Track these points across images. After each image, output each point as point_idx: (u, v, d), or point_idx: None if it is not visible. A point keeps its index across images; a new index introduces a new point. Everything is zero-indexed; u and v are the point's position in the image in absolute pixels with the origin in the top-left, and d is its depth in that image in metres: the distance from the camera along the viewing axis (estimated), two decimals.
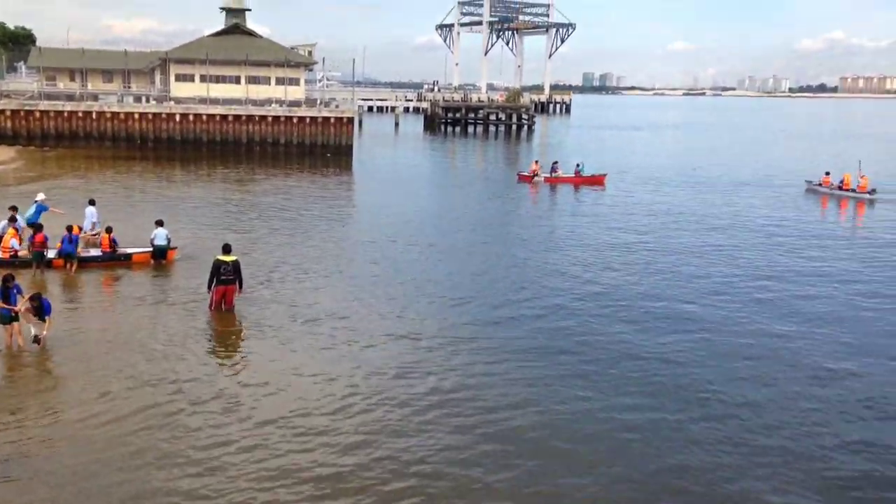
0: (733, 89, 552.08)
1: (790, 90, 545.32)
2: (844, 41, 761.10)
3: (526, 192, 38.93)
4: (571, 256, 23.63)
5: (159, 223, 21.34)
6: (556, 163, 42.43)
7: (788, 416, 12.39)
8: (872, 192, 35.76)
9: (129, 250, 21.10)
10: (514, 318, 17.12)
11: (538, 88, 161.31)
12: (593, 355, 14.90)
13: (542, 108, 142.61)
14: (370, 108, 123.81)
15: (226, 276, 16.66)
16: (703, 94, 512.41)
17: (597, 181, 40.82)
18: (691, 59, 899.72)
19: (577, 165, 42.09)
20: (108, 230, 21.14)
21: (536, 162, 43.12)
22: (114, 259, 20.66)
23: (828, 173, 39.20)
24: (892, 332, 16.64)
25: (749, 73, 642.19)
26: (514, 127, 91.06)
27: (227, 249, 17.12)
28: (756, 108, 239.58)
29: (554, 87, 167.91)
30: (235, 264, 16.82)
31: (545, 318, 17.18)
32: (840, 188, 37.25)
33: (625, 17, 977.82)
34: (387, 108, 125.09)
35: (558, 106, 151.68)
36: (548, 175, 41.02)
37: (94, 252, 21.03)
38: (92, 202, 23.82)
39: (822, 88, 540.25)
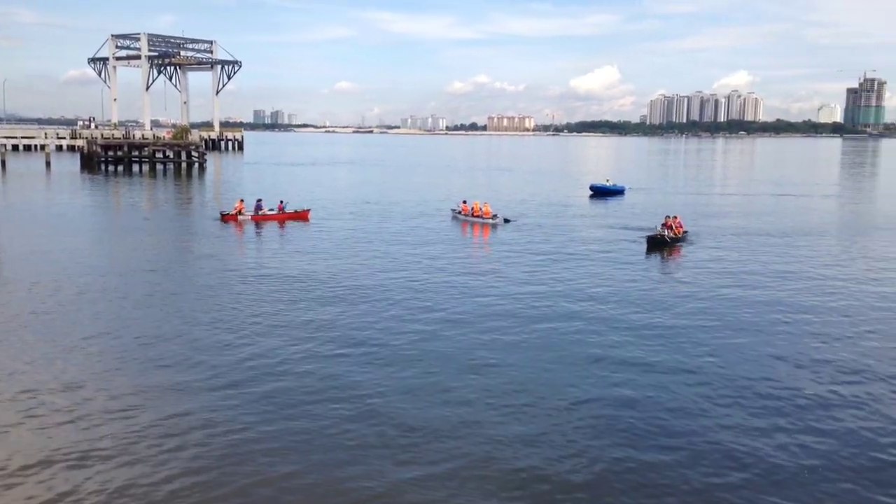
0: (398, 127, 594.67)
1: (447, 128, 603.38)
2: (489, 84, 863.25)
3: (231, 231, 39.30)
4: (279, 292, 24.46)
5: None
6: (259, 200, 43.96)
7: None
8: (495, 217, 43.06)
9: None
10: (202, 364, 17.33)
11: (208, 125, 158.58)
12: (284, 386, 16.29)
13: (214, 145, 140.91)
14: (15, 147, 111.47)
15: None
16: (371, 131, 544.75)
17: (302, 216, 43.47)
18: (358, 98, 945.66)
19: (281, 202, 44.19)
20: None
21: (241, 201, 43.91)
22: None
23: (465, 201, 45.86)
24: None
25: (410, 112, 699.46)
26: (183, 165, 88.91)
27: None
28: (419, 144, 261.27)
29: (224, 124, 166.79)
30: None
31: (253, 360, 17.48)
32: (472, 214, 43.99)
33: (292, 55, 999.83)
34: (35, 146, 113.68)
35: (230, 143, 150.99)
36: (253, 213, 42.30)
37: None
38: None
39: (473, 127, 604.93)
